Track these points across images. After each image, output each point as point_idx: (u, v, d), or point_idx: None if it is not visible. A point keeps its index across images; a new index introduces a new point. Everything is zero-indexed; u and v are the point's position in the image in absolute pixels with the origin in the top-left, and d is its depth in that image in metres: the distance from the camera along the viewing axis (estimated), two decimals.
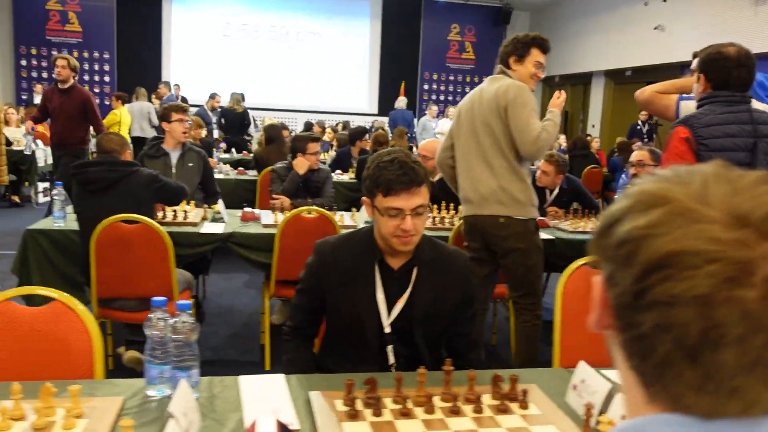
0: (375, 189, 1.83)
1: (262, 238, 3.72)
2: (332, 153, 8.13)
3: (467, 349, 2.04)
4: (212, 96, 8.21)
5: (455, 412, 1.56)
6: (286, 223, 3.53)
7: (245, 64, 15.36)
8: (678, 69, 13.81)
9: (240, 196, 6.12)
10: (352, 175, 6.70)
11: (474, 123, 3.14)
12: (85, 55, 14.17)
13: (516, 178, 3.08)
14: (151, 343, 1.61)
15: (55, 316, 1.80)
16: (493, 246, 3.15)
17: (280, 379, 1.72)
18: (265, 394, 1.62)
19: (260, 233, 3.76)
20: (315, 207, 3.74)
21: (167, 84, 11.23)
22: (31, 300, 2.14)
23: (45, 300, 1.82)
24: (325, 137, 9.22)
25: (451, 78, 17.39)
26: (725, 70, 2.47)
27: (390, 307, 1.92)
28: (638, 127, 12.71)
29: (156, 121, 10.20)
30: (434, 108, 13.55)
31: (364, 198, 1.93)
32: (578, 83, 17.03)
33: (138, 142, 10.48)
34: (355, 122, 11.73)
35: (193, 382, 1.59)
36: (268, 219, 4.01)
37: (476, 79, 17.59)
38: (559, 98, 3.20)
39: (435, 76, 17.26)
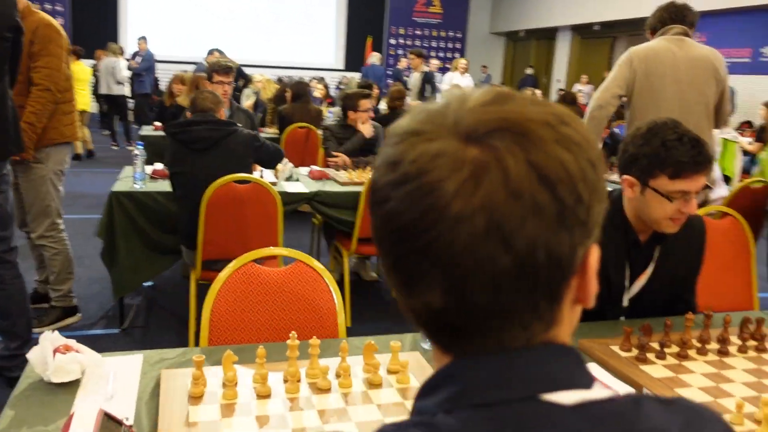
0: (658, 170, 1.65)
1: (347, 196, 3.70)
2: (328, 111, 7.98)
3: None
4: (211, 52, 7.90)
5: (724, 353, 1.65)
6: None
7: (206, 17, 14.83)
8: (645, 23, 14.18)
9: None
10: None
11: (681, 85, 3.09)
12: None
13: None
14: None
15: (299, 276, 1.79)
16: None
17: None
18: None
19: (345, 191, 3.74)
20: None
21: (144, 39, 10.74)
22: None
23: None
24: (316, 93, 9.05)
25: (418, 32, 17.26)
26: None
27: (631, 282, 1.87)
28: None
29: (121, 77, 9.78)
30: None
31: (626, 177, 1.73)
32: (544, 38, 17.19)
33: (108, 100, 10.10)
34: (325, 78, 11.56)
35: None
36: (342, 177, 3.98)
37: (443, 33, 17.55)
38: None
39: (402, 31, 17.08)
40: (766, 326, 1.76)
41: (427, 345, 1.60)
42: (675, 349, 1.64)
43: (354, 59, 16.15)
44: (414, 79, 9.23)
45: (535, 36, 17.48)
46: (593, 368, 1.56)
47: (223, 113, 3.30)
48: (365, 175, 3.94)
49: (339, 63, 16.64)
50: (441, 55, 17.18)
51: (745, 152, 7.27)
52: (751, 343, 1.70)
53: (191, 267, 3.24)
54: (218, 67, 4.32)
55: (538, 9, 16.55)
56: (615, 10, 14.14)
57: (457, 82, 9.93)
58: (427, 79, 9.04)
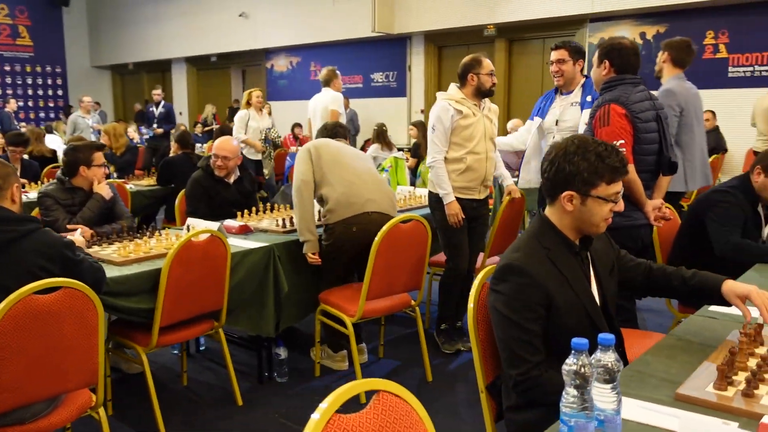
0: (598, 179, 1.78)
1: (136, 278, 2.85)
2: None
3: (646, 268, 2.06)
4: None
5: None
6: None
7: None
8: (263, 54, 14.75)
9: None
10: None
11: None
12: None
13: None
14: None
15: None
16: None
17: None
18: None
19: (133, 273, 2.85)
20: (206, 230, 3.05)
21: None
22: None
23: None
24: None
25: (7, 68, 14.71)
26: (627, 57, 3.07)
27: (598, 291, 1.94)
28: None
29: None
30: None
31: (568, 193, 1.80)
32: (156, 70, 16.47)
33: None
34: None
35: None
36: (114, 255, 3.05)
37: (38, 68, 15.31)
38: None
39: None
40: None
41: None
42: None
43: None
44: None
45: (146, 69, 16.62)
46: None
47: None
48: (144, 244, 3.09)
49: None
50: (40, 92, 15.00)
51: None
52: None
53: None
54: None
55: (147, 42, 15.77)
56: (230, 42, 14.34)
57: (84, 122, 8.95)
58: None
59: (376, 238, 3.21)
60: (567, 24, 10.37)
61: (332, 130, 3.85)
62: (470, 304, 1.95)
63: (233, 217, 4.09)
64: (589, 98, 3.65)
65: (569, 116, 3.74)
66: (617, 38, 3.12)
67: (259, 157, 7.46)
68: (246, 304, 3.32)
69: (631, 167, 2.88)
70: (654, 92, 3.32)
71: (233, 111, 13.89)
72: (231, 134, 9.31)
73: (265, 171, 7.51)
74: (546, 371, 1.73)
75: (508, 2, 10.51)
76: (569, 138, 1.88)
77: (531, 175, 4.01)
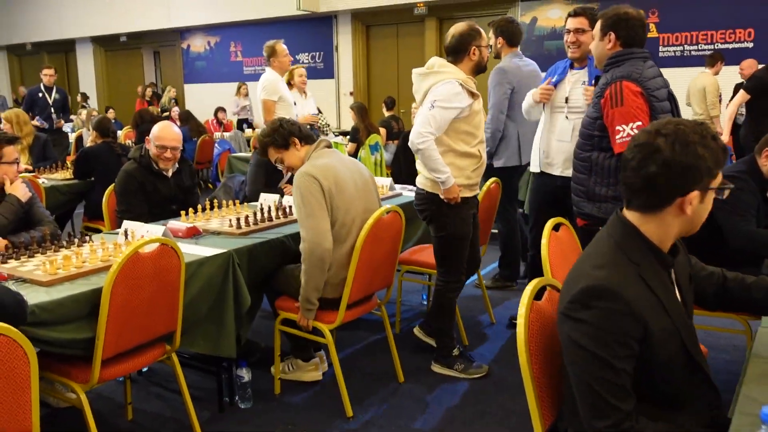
0: (717, 167, 1.43)
1: (69, 303, 2.30)
2: None
3: (720, 278, 1.75)
4: None
5: None
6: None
7: None
8: (178, 34, 13.80)
9: None
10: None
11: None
12: None
13: None
14: None
15: None
16: None
17: None
18: None
19: (64, 297, 2.30)
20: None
21: None
22: None
23: None
24: None
25: None
26: (634, 29, 2.74)
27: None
28: None
29: None
30: None
31: (694, 194, 1.41)
32: (58, 51, 15.13)
33: None
34: None
35: None
36: (38, 274, 2.47)
37: None
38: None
39: None
40: None
41: None
42: None
43: None
44: None
45: (47, 49, 15.27)
46: None
47: None
48: (75, 256, 2.53)
49: None
50: None
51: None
52: None
53: None
54: None
55: (47, 19, 14.45)
56: (142, 21, 13.33)
57: None
58: None
59: (362, 233, 2.80)
60: (499, 2, 10.17)
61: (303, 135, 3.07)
62: (520, 329, 1.58)
63: (172, 215, 3.55)
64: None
65: (579, 96, 3.39)
66: (621, 7, 2.78)
67: None
68: (202, 322, 2.81)
69: None
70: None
71: (158, 96, 12.92)
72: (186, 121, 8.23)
73: None
74: (637, 421, 1.38)
75: None
76: (652, 130, 1.44)
77: (553, 157, 3.53)
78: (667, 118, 1.52)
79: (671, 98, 2.74)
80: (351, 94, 12.08)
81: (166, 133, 3.57)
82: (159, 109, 11.71)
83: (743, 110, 6.62)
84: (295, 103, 5.57)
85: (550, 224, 2.48)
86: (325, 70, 12.11)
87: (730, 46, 8.57)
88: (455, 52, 3.11)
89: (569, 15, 3.42)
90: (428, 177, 3.12)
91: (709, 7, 8.58)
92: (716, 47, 8.59)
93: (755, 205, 2.77)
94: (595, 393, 1.37)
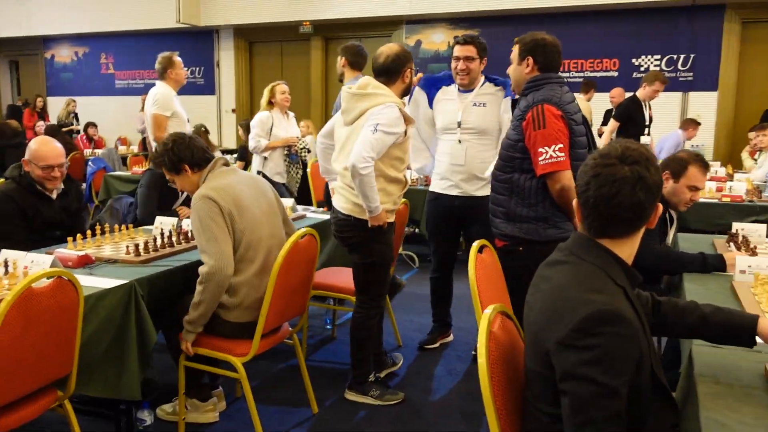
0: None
1: None
2: None
3: (654, 302, 1.76)
4: None
5: None
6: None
7: None
8: (41, 42, 12.76)
9: None
10: None
11: None
12: None
13: None
14: None
15: None
16: None
17: None
18: None
19: None
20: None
21: None
22: None
23: None
24: None
25: None
26: (551, 55, 2.80)
27: None
28: None
29: None
30: None
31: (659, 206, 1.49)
32: None
33: None
34: None
35: None
36: None
37: None
38: None
39: None
40: None
41: None
42: None
43: None
44: None
45: None
46: None
47: None
48: None
49: None
50: None
51: None
52: None
53: None
54: None
55: None
56: (2, 28, 12.24)
57: None
58: None
59: (278, 260, 2.64)
60: (384, 24, 10.31)
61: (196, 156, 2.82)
62: (482, 360, 1.51)
63: (56, 242, 3.20)
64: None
65: (473, 117, 3.45)
66: (538, 33, 2.84)
67: (284, 179, 5.54)
68: (100, 362, 2.51)
69: (569, 174, 2.65)
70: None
71: (14, 109, 11.83)
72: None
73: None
74: None
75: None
76: (617, 161, 1.42)
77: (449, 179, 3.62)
78: (609, 146, 1.50)
79: (585, 122, 2.84)
80: (233, 111, 11.73)
81: (47, 150, 3.21)
82: (53, 123, 10.69)
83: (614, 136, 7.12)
84: (272, 127, 5.36)
85: (475, 247, 2.46)
86: (205, 86, 11.69)
87: (599, 74, 9.21)
88: (388, 73, 3.00)
89: (457, 42, 3.46)
90: (355, 202, 2.99)
91: (580, 38, 9.17)
92: (586, 75, 9.21)
93: (659, 226, 2.91)
94: (592, 423, 1.30)
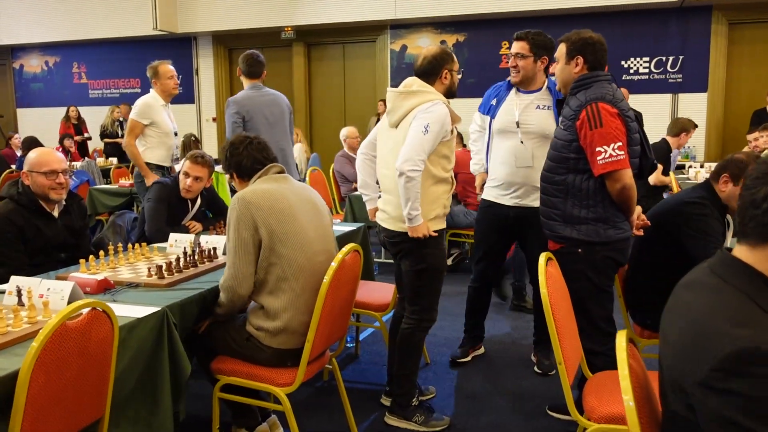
0: None
1: None
2: None
3: None
4: None
5: None
6: None
7: None
8: (8, 52, 12.26)
9: None
10: None
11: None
12: None
13: None
14: None
15: None
16: None
17: None
18: None
19: None
20: None
21: None
22: None
23: None
24: None
25: None
26: (600, 53, 2.68)
27: None
28: None
29: None
30: None
31: None
32: None
33: None
34: None
35: None
36: None
37: None
38: None
39: None
40: None
41: None
42: None
43: None
44: None
45: None
46: None
47: None
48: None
49: None
50: None
51: None
52: None
53: None
54: None
55: None
56: None
57: None
58: None
59: (326, 279, 2.41)
60: (368, 29, 10.11)
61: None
62: (626, 394, 1.31)
63: (62, 265, 2.92)
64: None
65: (535, 119, 3.26)
66: (584, 32, 2.71)
67: None
68: (130, 399, 2.23)
69: (629, 172, 2.55)
70: None
71: None
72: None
73: None
74: None
75: (306, 4, 9.92)
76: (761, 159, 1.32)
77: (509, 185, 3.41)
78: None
79: (638, 119, 2.70)
80: (214, 120, 11.40)
81: (48, 156, 2.97)
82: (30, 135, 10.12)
83: None
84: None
85: (543, 262, 2.29)
86: (184, 95, 11.33)
87: None
88: (426, 75, 2.87)
89: (513, 38, 3.33)
90: (399, 216, 2.81)
91: None
92: None
93: (722, 232, 2.76)
94: None
